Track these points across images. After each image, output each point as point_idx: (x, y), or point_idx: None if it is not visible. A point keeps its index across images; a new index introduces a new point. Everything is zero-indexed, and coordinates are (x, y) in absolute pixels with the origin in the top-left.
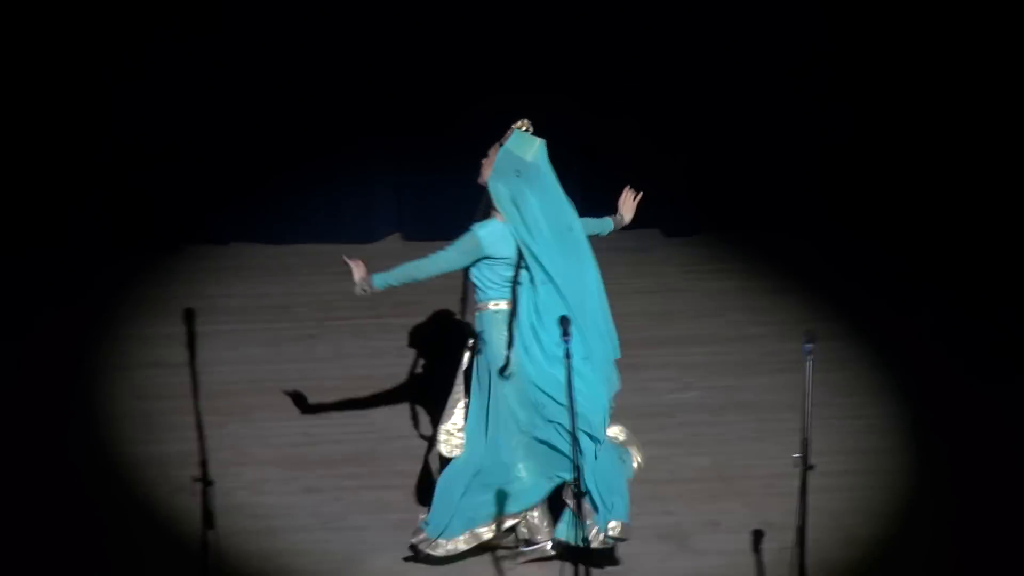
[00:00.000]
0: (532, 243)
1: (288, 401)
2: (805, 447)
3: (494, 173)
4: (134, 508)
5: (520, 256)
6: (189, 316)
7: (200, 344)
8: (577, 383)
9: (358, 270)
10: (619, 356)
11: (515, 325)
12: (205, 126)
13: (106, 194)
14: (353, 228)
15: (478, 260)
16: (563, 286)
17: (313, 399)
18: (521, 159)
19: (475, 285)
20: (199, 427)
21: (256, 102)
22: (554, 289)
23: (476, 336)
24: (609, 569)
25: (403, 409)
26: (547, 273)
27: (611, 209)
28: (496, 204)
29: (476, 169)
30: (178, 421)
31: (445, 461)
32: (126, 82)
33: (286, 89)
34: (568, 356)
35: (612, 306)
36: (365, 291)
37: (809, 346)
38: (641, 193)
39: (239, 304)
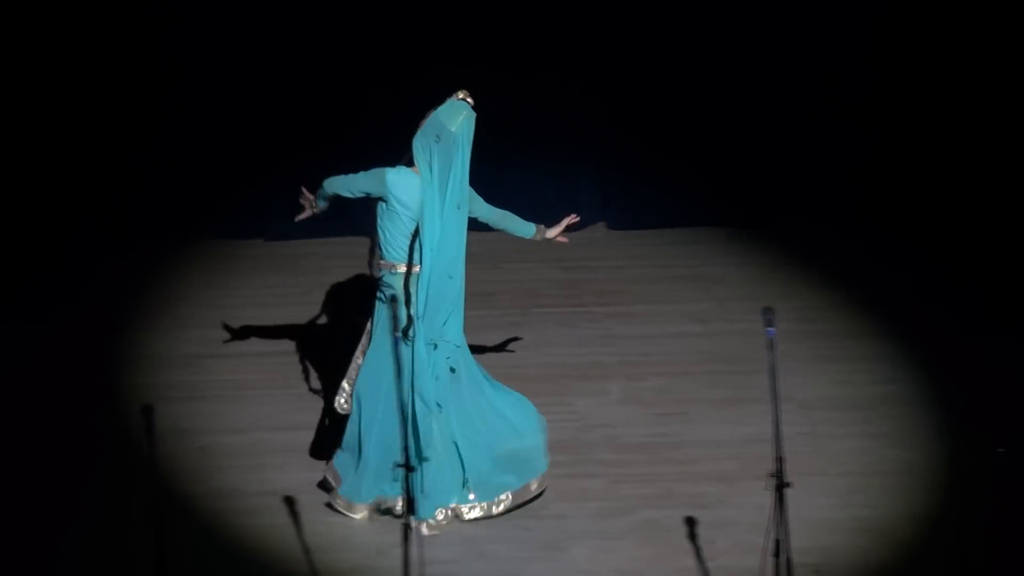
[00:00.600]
0: (427, 206)
1: None
2: None
3: (420, 132)
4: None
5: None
6: None
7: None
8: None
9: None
10: (460, 344)
11: (415, 286)
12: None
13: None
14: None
15: (381, 199)
16: (430, 258)
17: (516, 387)
18: (445, 126)
19: (379, 239)
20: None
21: None
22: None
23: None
24: (813, 562)
25: (604, 398)
26: (422, 239)
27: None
28: (415, 160)
29: None
30: None
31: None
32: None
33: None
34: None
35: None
36: (314, 208)
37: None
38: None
39: None
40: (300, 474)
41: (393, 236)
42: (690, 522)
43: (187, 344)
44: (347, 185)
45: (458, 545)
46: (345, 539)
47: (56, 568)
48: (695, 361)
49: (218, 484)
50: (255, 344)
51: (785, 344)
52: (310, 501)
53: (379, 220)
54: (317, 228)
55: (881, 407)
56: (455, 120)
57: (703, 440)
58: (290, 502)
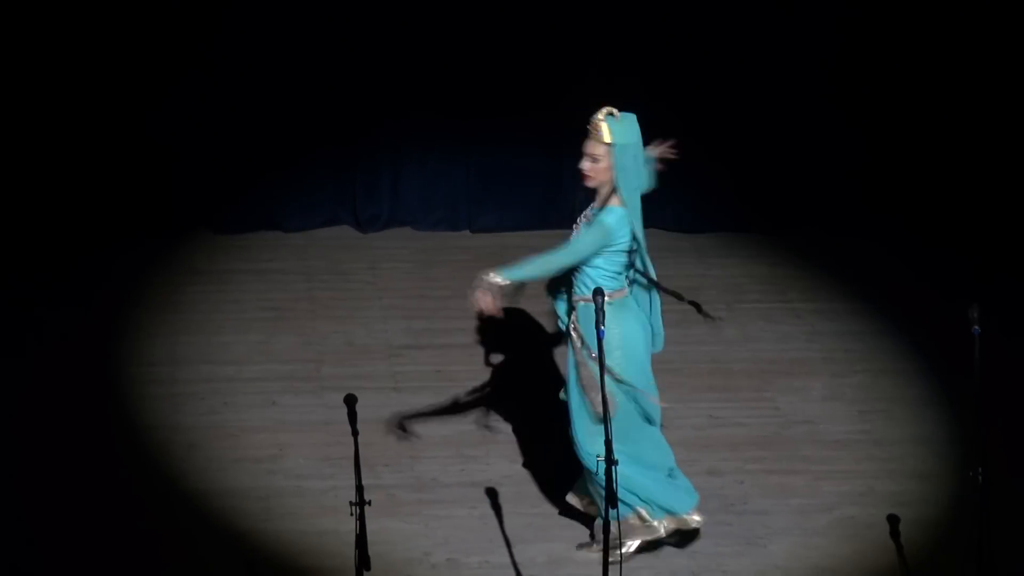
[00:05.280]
0: (638, 228)
1: (695, 382)
2: None
3: (621, 173)
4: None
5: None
6: None
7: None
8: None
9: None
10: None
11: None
12: None
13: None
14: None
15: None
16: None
17: (719, 382)
18: (635, 144)
19: (580, 279)
20: (609, 420)
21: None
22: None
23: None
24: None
25: (807, 394)
26: (644, 259)
27: None
28: (623, 197)
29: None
30: None
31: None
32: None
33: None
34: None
35: None
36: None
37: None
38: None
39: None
40: (501, 466)
41: (603, 273)
42: (891, 520)
43: (392, 334)
44: (566, 261)
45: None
46: (545, 531)
47: (256, 555)
48: (899, 358)
49: (419, 474)
50: (460, 336)
51: (991, 343)
52: (510, 493)
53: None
54: (524, 220)
55: None
56: (633, 131)
57: (905, 438)
58: (492, 494)
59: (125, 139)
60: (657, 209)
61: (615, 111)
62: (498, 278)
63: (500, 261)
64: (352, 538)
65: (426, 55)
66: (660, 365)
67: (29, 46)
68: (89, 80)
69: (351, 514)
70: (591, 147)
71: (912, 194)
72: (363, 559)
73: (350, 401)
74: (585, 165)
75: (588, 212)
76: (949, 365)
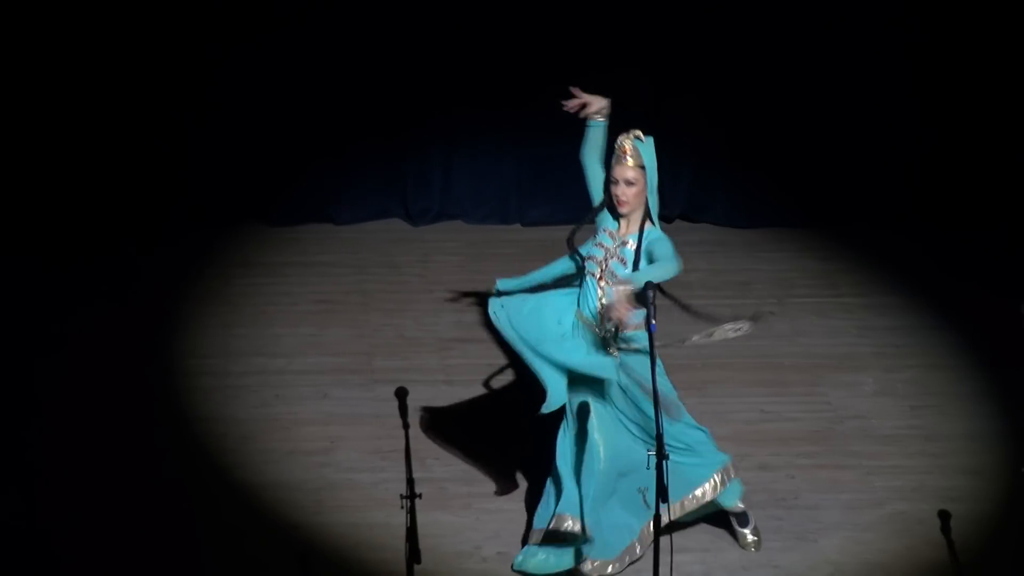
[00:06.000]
0: None
1: (746, 377)
2: None
3: (652, 196)
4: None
5: None
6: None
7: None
8: None
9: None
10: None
11: None
12: None
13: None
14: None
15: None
16: None
17: (770, 376)
18: (655, 166)
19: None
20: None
21: None
22: None
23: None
24: None
25: (858, 389)
26: None
27: None
28: (655, 220)
29: None
30: None
31: None
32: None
33: None
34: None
35: None
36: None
37: None
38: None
39: (699, 280)
40: (551, 460)
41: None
42: (942, 516)
43: (443, 327)
44: (675, 270)
45: (708, 533)
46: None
47: (308, 547)
48: (950, 353)
49: (466, 468)
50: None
51: None
52: None
53: None
54: (574, 214)
55: None
56: (654, 153)
57: (957, 433)
58: (541, 487)
59: (179, 132)
60: (707, 204)
61: (640, 133)
62: (630, 286)
63: (550, 255)
64: (403, 531)
65: (477, 46)
66: (710, 360)
67: (89, 35)
68: (145, 72)
69: (402, 507)
70: (625, 172)
71: (963, 189)
72: (414, 552)
73: (401, 394)
74: (624, 191)
75: (616, 245)
76: (1000, 360)
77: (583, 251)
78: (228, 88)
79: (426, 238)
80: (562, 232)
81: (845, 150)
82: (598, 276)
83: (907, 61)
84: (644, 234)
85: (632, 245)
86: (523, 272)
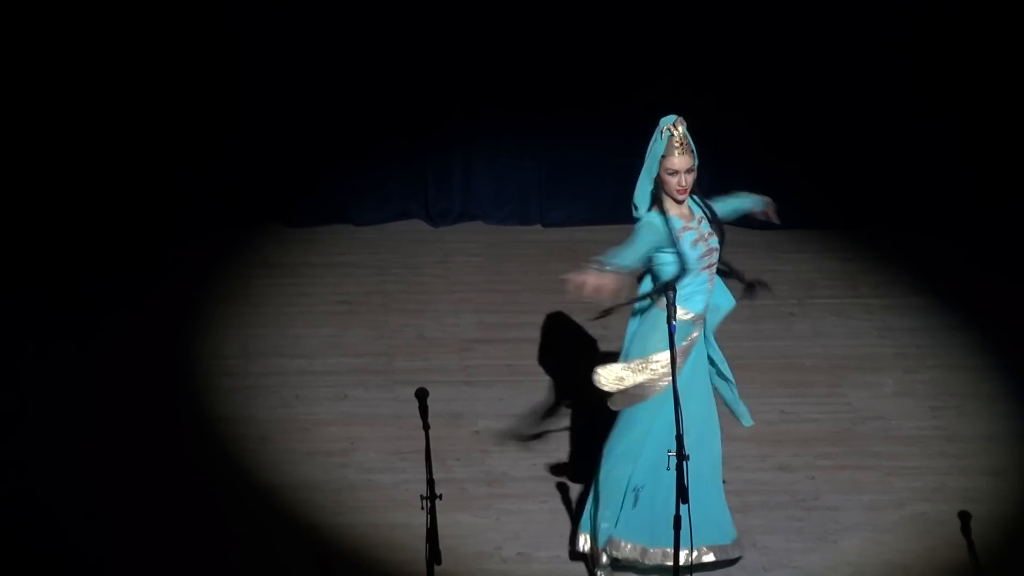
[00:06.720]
0: None
1: (766, 377)
2: None
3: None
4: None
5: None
6: None
7: None
8: None
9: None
10: None
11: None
12: None
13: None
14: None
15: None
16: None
17: (790, 377)
18: None
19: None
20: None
21: None
22: None
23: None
24: None
25: (879, 390)
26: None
27: None
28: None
29: None
30: None
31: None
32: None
33: None
34: None
35: None
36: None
37: None
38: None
39: None
40: (572, 461)
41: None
42: (963, 517)
43: (464, 328)
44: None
45: None
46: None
47: (328, 548)
48: (970, 354)
49: (489, 468)
50: (531, 330)
51: None
52: (581, 488)
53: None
54: (595, 214)
55: None
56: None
57: (978, 434)
58: (562, 488)
59: (201, 133)
60: None
61: (681, 119)
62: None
63: (571, 255)
64: (423, 532)
65: (498, 48)
66: (732, 361)
67: (114, 37)
68: (167, 74)
69: (422, 508)
70: (685, 162)
71: (982, 189)
72: (434, 553)
73: (421, 395)
74: (686, 179)
75: (699, 228)
76: (1022, 361)
77: (689, 263)
78: (249, 90)
79: (446, 239)
80: (583, 233)
81: (866, 152)
82: (714, 266)
83: (931, 64)
84: (700, 202)
85: (703, 217)
86: (543, 274)
